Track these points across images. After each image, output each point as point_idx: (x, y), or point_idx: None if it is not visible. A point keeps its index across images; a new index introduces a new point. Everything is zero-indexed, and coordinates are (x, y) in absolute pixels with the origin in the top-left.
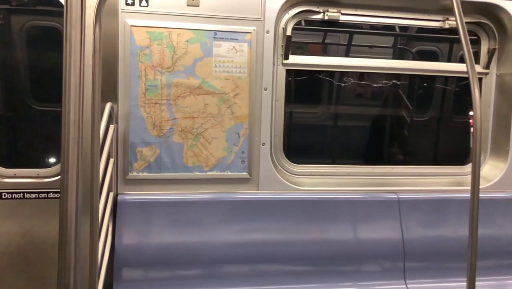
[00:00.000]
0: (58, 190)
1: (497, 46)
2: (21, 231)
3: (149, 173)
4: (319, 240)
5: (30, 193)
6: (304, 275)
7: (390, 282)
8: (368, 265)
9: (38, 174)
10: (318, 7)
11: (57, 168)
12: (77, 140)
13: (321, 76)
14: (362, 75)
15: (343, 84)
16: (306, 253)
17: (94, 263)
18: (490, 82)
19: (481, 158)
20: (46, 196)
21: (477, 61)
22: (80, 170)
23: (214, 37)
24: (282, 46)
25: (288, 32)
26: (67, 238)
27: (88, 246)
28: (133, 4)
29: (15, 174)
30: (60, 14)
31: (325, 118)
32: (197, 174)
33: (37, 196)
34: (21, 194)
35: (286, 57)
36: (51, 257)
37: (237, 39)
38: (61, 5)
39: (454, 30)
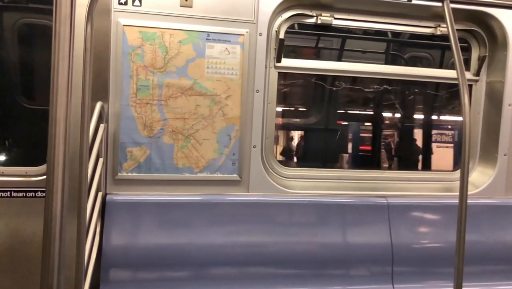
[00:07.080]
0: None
1: (487, 54)
2: (7, 230)
3: (138, 173)
4: (308, 243)
5: (17, 191)
6: (292, 278)
7: (378, 286)
8: (357, 269)
9: (26, 172)
10: (311, 11)
11: (45, 167)
12: (63, 139)
13: (313, 80)
14: (354, 80)
15: (334, 89)
16: (295, 256)
17: (80, 263)
18: (480, 89)
19: (470, 164)
20: (33, 195)
21: (467, 68)
22: (66, 169)
23: (206, 39)
24: (275, 49)
25: (281, 35)
26: (51, 237)
27: (75, 246)
28: (126, 3)
29: (2, 172)
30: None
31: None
32: (187, 175)
33: (24, 195)
34: (8, 193)
35: (278, 60)
36: (37, 256)
37: (229, 41)
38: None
39: (445, 37)
